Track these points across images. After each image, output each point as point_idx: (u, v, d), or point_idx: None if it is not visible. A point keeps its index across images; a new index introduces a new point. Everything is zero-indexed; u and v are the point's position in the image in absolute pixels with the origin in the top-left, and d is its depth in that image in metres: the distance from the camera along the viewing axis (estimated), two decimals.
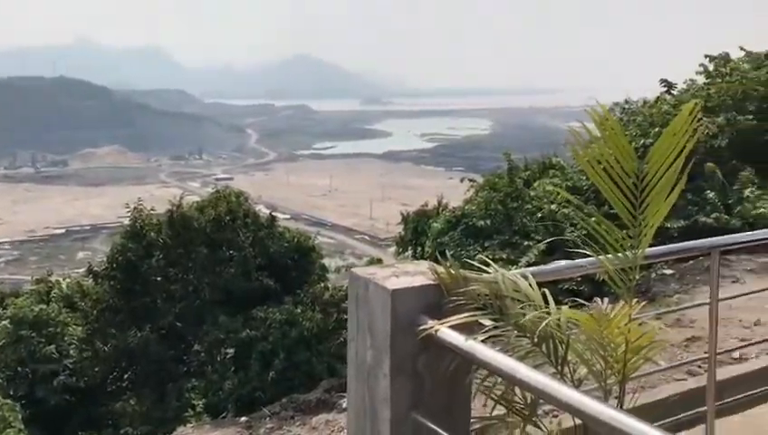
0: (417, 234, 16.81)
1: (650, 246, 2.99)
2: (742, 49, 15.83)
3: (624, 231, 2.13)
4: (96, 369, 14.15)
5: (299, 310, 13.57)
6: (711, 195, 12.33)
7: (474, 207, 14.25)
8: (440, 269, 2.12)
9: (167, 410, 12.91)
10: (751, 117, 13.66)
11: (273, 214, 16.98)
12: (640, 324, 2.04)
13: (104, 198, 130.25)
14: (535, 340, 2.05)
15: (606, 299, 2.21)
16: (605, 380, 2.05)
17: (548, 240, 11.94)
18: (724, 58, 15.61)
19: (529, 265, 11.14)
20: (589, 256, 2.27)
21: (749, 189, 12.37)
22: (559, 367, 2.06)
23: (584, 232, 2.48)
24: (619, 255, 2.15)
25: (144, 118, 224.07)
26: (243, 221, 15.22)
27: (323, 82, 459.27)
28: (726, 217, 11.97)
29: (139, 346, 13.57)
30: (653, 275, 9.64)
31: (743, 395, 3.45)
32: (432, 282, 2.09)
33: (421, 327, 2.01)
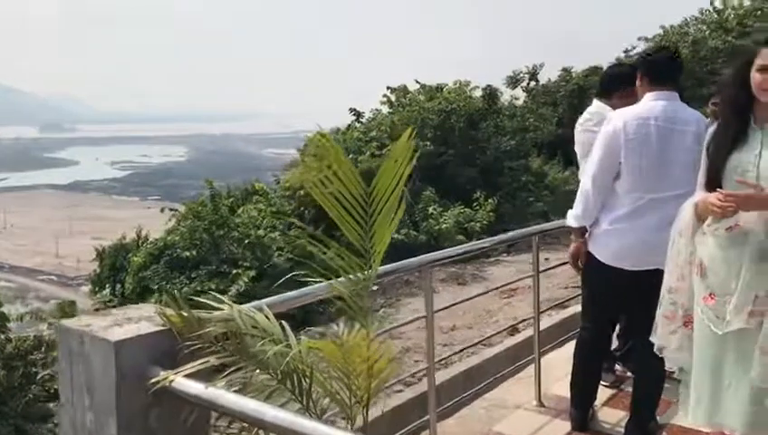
0: (116, 270, 15.61)
1: None
2: (417, 82, 17.75)
3: (359, 258, 2.13)
4: None
5: None
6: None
7: (177, 238, 13.69)
8: (169, 312, 1.91)
9: None
10: (428, 143, 15.31)
11: None
12: (378, 346, 2.05)
13: None
14: (279, 376, 1.94)
15: (335, 322, 2.20)
16: (350, 406, 2.03)
17: (257, 266, 11.95)
18: (404, 90, 17.34)
19: (239, 293, 11.00)
20: (311, 279, 2.21)
21: (432, 207, 13.81)
22: (304, 401, 1.98)
23: (295, 254, 2.45)
24: (351, 277, 2.14)
25: None
26: None
27: None
28: (415, 232, 13.19)
29: None
30: None
31: (457, 399, 3.74)
32: (162, 328, 1.88)
33: (152, 380, 1.79)
